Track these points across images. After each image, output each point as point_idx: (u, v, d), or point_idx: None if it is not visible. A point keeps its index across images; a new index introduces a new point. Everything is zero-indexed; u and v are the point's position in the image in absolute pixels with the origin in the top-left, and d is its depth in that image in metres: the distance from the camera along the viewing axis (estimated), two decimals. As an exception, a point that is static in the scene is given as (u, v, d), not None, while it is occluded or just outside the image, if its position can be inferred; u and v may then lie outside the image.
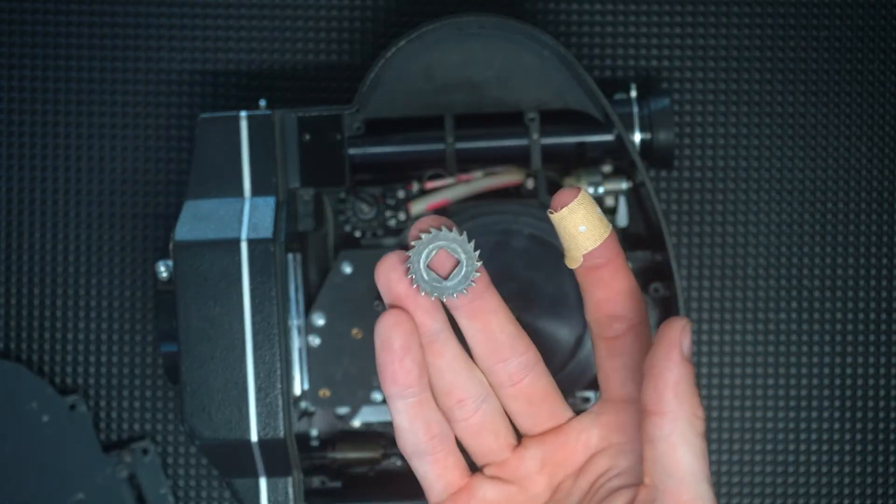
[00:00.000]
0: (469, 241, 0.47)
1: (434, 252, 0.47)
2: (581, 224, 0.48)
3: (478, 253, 0.47)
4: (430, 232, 0.46)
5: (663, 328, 0.46)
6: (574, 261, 0.49)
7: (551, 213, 0.48)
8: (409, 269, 0.46)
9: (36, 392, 0.70)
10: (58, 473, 0.70)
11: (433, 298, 0.47)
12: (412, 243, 0.46)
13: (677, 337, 0.46)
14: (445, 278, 0.47)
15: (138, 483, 0.71)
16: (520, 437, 0.50)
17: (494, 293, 0.49)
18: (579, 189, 0.48)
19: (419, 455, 0.49)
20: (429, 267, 0.47)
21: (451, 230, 0.47)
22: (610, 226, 0.48)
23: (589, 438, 0.50)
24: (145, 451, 0.71)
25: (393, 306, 0.48)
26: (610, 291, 0.50)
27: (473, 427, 0.49)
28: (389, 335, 0.47)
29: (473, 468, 0.50)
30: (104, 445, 0.72)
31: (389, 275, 0.47)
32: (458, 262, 0.47)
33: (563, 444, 0.50)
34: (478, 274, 0.47)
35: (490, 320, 0.49)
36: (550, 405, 0.50)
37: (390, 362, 0.47)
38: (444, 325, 0.48)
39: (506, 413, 0.50)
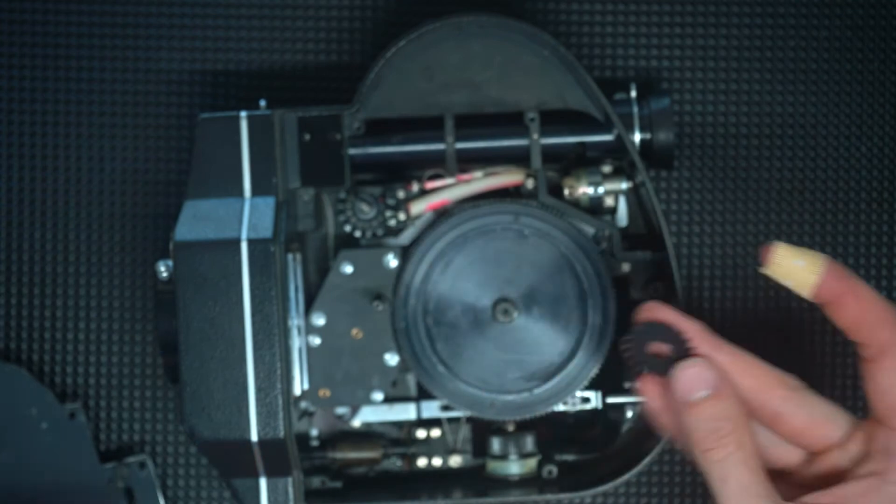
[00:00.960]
0: (680, 333, 0.57)
1: (650, 342, 0.57)
2: (794, 259, 0.54)
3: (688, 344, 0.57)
4: (647, 323, 0.57)
5: None
6: (807, 290, 0.55)
7: (763, 268, 0.55)
8: (629, 349, 0.58)
9: (36, 398, 0.70)
10: (54, 482, 0.70)
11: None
12: (634, 330, 0.58)
13: None
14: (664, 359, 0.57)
15: (134, 498, 0.70)
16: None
17: (722, 352, 0.57)
18: (774, 242, 0.55)
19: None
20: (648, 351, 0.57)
21: (666, 324, 0.57)
22: (823, 256, 0.55)
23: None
24: (142, 466, 0.71)
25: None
26: (856, 316, 0.56)
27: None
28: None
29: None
30: (102, 450, 0.72)
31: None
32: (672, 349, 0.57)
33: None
34: (692, 359, 0.56)
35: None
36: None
37: None
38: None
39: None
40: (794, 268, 0.55)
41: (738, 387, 0.57)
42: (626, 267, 0.67)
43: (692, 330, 0.58)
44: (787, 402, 0.57)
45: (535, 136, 0.66)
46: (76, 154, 0.73)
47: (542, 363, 0.65)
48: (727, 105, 0.73)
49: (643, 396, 0.59)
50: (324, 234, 0.67)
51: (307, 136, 0.64)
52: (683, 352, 0.57)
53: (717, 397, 0.56)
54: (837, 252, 0.73)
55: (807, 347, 0.73)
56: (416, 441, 0.68)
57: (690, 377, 0.56)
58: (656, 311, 0.59)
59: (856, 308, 0.56)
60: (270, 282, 0.60)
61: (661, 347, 0.58)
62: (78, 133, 0.73)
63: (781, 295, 0.73)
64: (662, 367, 0.58)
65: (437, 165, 0.66)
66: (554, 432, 0.68)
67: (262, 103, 0.65)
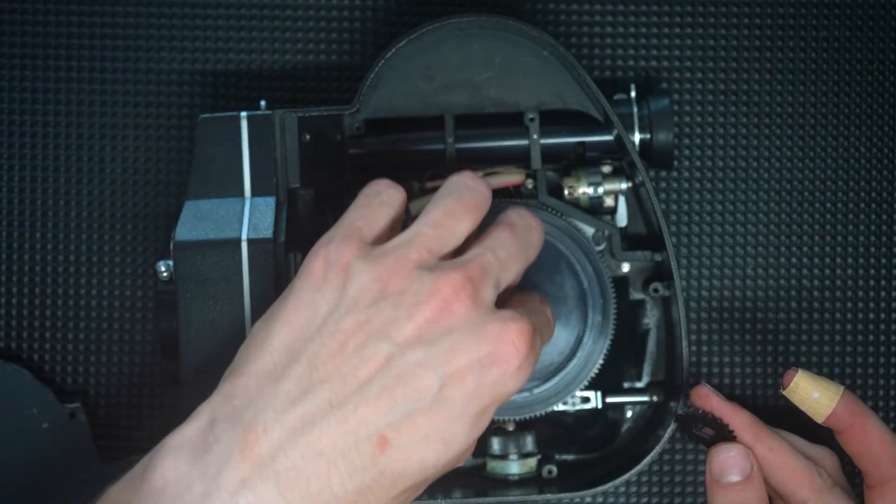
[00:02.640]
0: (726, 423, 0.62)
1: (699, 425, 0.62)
2: (812, 391, 0.61)
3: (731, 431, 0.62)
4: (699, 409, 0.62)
5: None
6: (819, 419, 0.62)
7: (782, 390, 0.61)
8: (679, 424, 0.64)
9: (37, 398, 0.70)
10: (54, 482, 0.70)
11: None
12: (686, 411, 0.63)
13: None
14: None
15: None
16: None
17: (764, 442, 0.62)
18: (797, 369, 0.61)
19: None
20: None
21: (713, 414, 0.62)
22: (841, 388, 0.61)
23: None
24: None
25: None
26: (861, 447, 0.62)
27: None
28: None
29: None
30: (102, 450, 0.72)
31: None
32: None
33: None
34: (732, 443, 0.62)
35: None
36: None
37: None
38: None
39: None
40: (810, 398, 0.61)
41: (771, 477, 0.62)
42: (626, 267, 0.67)
43: (737, 421, 0.62)
44: (815, 500, 0.62)
45: (535, 136, 0.66)
46: (76, 154, 0.73)
47: (542, 363, 0.65)
48: (727, 105, 0.73)
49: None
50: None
51: (307, 136, 0.64)
52: (726, 435, 0.62)
53: (747, 484, 0.61)
54: (837, 252, 0.73)
55: (806, 348, 0.73)
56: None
57: (726, 460, 0.61)
58: (706, 401, 0.63)
59: (862, 440, 0.62)
60: (270, 282, 0.60)
61: (708, 431, 0.63)
62: (78, 133, 0.73)
63: (781, 295, 0.73)
64: (707, 441, 0.63)
65: (437, 165, 0.66)
66: (554, 432, 0.69)
67: (262, 103, 0.65)
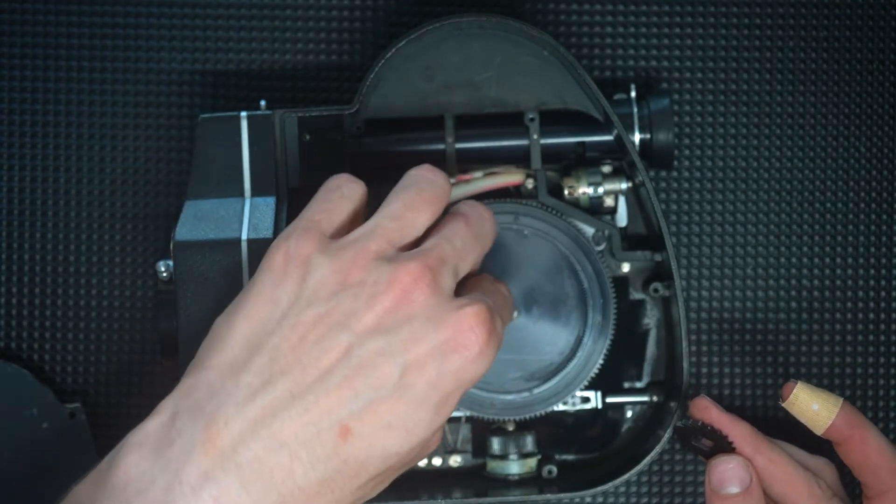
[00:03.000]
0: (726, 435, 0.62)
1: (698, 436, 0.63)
2: (812, 403, 0.62)
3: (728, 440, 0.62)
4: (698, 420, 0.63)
5: None
6: (818, 431, 0.62)
7: (782, 402, 0.62)
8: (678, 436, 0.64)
9: (37, 398, 0.70)
10: (54, 482, 0.70)
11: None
12: (685, 422, 0.63)
13: None
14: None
15: None
16: None
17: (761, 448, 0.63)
18: (796, 381, 0.62)
19: None
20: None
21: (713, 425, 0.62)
22: (840, 399, 0.61)
23: None
24: None
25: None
26: (860, 458, 0.62)
27: None
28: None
29: None
30: (102, 450, 0.72)
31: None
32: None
33: None
34: (731, 455, 0.62)
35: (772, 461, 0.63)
36: None
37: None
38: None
39: None
40: (810, 410, 0.62)
41: (770, 489, 0.62)
42: (626, 267, 0.67)
43: (736, 432, 0.63)
44: None
45: (535, 136, 0.66)
46: (76, 154, 0.73)
47: (542, 363, 0.65)
48: (727, 105, 0.73)
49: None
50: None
51: (307, 136, 0.64)
52: (725, 447, 0.62)
53: (746, 496, 0.61)
54: (837, 252, 0.73)
55: (806, 348, 0.73)
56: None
57: (725, 471, 0.62)
58: (705, 412, 0.63)
59: (861, 451, 0.63)
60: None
61: (707, 443, 0.63)
62: (78, 133, 0.73)
63: (781, 296, 0.73)
64: (706, 453, 0.64)
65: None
66: (554, 432, 0.69)
67: (262, 103, 0.65)
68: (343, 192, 0.57)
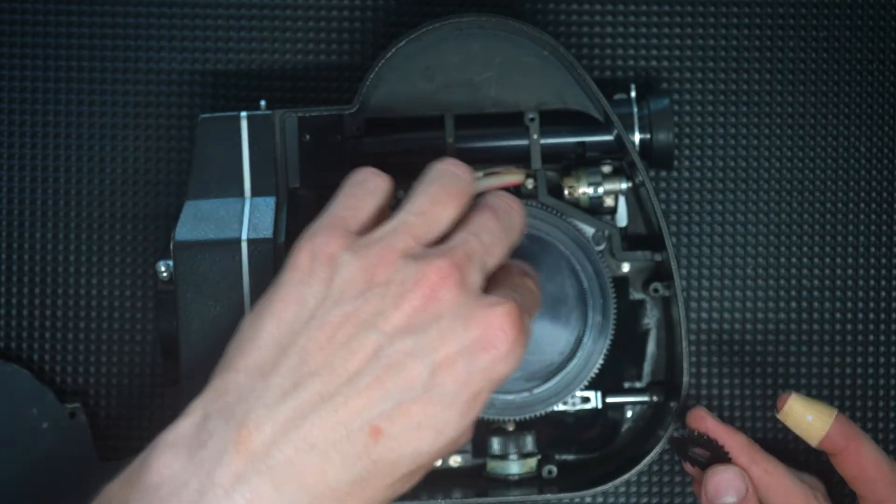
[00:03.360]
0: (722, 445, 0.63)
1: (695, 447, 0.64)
2: (806, 414, 0.61)
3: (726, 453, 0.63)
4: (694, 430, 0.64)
5: None
6: (814, 443, 0.62)
7: (776, 413, 0.62)
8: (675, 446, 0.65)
9: (37, 398, 0.70)
10: (54, 481, 0.70)
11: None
12: (682, 432, 0.64)
13: None
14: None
15: None
16: None
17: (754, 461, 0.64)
18: (790, 392, 0.62)
19: None
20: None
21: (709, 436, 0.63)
22: (835, 410, 0.61)
23: None
24: None
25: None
26: (856, 470, 0.62)
27: None
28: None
29: None
30: (102, 450, 0.72)
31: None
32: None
33: None
34: (727, 465, 0.63)
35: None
36: None
37: None
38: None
39: None
40: (804, 421, 0.62)
41: (767, 500, 0.63)
42: (626, 267, 0.67)
43: (732, 443, 0.63)
44: None
45: (535, 136, 0.66)
46: (76, 154, 0.73)
47: (542, 363, 0.65)
48: (727, 105, 0.73)
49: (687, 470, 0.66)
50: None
51: (307, 136, 0.64)
52: (722, 457, 0.63)
53: None
54: (837, 252, 0.73)
55: (806, 349, 0.73)
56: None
57: (721, 481, 0.62)
58: (702, 422, 0.64)
59: (856, 463, 0.62)
60: (270, 282, 0.60)
61: (704, 453, 0.64)
62: (78, 133, 0.73)
63: (781, 296, 0.73)
64: (703, 464, 0.64)
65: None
66: (554, 432, 0.69)
67: (262, 103, 0.65)
68: (368, 187, 0.56)
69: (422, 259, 0.53)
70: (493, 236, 0.55)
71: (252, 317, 0.54)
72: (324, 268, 0.53)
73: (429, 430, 0.51)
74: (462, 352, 0.51)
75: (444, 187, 0.55)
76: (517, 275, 0.57)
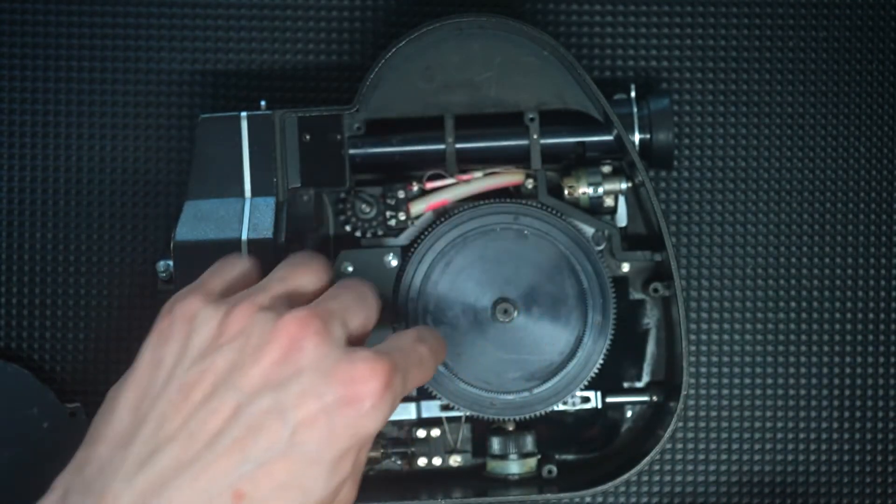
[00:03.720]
0: None
1: None
2: None
3: None
4: None
5: None
6: None
7: None
8: None
9: (37, 398, 0.70)
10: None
11: None
12: None
13: None
14: None
15: None
16: None
17: None
18: None
19: None
20: None
21: None
22: None
23: None
24: None
25: None
26: None
27: None
28: None
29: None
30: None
31: None
32: None
33: None
34: None
35: None
36: None
37: None
38: None
39: None
40: None
41: None
42: (626, 267, 0.67)
43: None
44: None
45: (535, 136, 0.66)
46: (76, 154, 0.73)
47: (542, 363, 0.65)
48: (727, 105, 0.73)
49: None
50: (324, 234, 0.67)
51: (307, 136, 0.64)
52: None
53: None
54: (837, 252, 0.73)
55: (806, 348, 0.73)
56: (416, 440, 0.68)
57: None
58: None
59: None
60: None
61: None
62: (78, 133, 0.73)
63: (781, 295, 0.73)
64: None
65: (437, 165, 0.66)
66: (554, 432, 0.69)
67: (263, 103, 0.65)
68: (232, 260, 0.56)
69: (282, 312, 0.51)
70: (350, 299, 0.53)
71: (116, 385, 0.53)
72: (182, 326, 0.52)
73: (294, 490, 0.49)
74: (324, 409, 0.49)
75: (304, 262, 0.55)
76: (408, 338, 0.55)
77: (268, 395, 0.49)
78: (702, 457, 0.72)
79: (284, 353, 0.50)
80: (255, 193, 0.63)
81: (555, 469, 0.67)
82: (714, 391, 0.72)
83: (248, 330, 0.51)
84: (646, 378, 0.69)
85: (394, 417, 0.67)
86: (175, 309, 0.53)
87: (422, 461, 0.68)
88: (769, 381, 0.72)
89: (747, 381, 0.72)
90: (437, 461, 0.68)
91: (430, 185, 0.67)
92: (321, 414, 0.49)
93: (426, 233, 0.65)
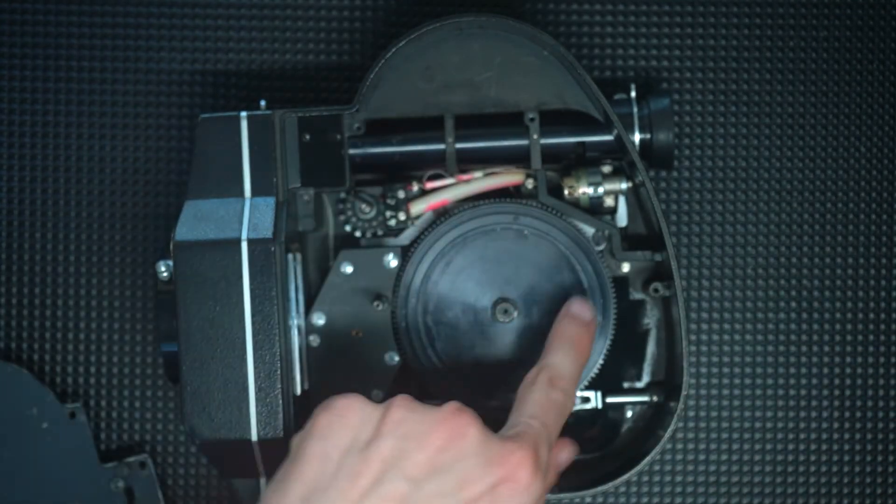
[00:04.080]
0: None
1: None
2: None
3: None
4: None
5: None
6: None
7: None
8: None
9: (37, 398, 0.70)
10: (54, 482, 0.70)
11: None
12: None
13: None
14: None
15: (134, 497, 0.70)
16: None
17: None
18: None
19: None
20: None
21: None
22: None
23: None
24: (143, 465, 0.71)
25: None
26: None
27: None
28: None
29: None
30: (102, 450, 0.72)
31: None
32: None
33: None
34: None
35: None
36: None
37: None
38: None
39: None
40: None
41: None
42: (626, 267, 0.67)
43: None
44: None
45: (535, 136, 0.66)
46: (76, 154, 0.73)
47: (541, 363, 0.65)
48: (727, 105, 0.73)
49: None
50: (324, 234, 0.67)
51: (307, 136, 0.64)
52: None
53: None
54: (837, 252, 0.73)
55: (806, 348, 0.73)
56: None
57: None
58: None
59: None
60: (270, 282, 0.60)
61: None
62: (78, 133, 0.73)
63: (781, 295, 0.73)
64: None
65: (437, 165, 0.66)
66: (554, 432, 0.68)
67: (262, 103, 0.65)
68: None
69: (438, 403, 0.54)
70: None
71: (274, 483, 0.54)
72: (346, 421, 0.54)
73: None
74: (487, 490, 0.52)
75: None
76: (541, 391, 0.58)
77: (434, 480, 0.52)
78: (702, 457, 0.72)
79: (448, 440, 0.53)
80: (254, 193, 0.63)
81: (555, 469, 0.67)
82: (714, 391, 0.72)
83: (410, 418, 0.53)
84: (646, 378, 0.69)
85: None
86: (336, 406, 0.54)
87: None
88: (769, 381, 0.72)
89: (747, 381, 0.72)
90: None
91: (430, 185, 0.67)
92: (485, 495, 0.52)
93: (426, 233, 0.65)
